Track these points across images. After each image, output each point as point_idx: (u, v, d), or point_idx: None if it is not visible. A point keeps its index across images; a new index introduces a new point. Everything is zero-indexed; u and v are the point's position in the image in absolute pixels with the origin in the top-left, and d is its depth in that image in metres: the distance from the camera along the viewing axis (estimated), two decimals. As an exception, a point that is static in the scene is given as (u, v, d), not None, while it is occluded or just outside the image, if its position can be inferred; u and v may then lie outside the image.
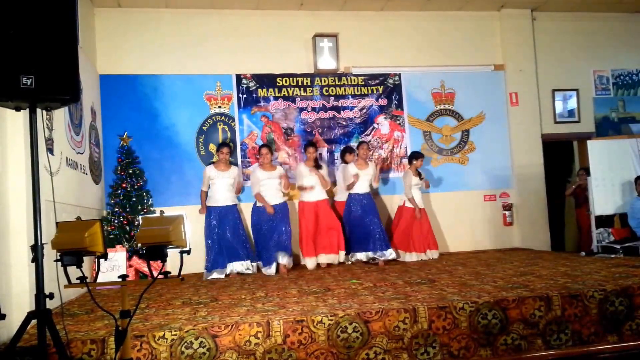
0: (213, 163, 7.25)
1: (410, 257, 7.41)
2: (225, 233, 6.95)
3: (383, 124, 8.39)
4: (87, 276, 2.76)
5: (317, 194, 7.33)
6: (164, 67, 7.77)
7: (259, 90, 8.04)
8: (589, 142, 7.60)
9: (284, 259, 6.92)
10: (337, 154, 8.16)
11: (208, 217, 7.04)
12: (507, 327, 4.01)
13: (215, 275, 6.72)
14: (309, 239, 7.19)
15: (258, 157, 7.41)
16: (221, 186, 7.08)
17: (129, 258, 6.59)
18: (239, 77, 8.01)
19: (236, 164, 7.65)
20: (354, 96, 8.34)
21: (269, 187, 7.16)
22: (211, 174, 7.10)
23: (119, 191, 7.11)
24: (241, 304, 4.58)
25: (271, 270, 6.78)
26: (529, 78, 8.82)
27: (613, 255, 6.82)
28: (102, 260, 2.84)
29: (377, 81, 8.42)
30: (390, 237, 7.57)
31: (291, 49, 8.18)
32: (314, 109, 8.19)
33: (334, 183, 7.88)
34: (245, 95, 8.00)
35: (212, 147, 7.73)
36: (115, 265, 6.34)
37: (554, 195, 8.47)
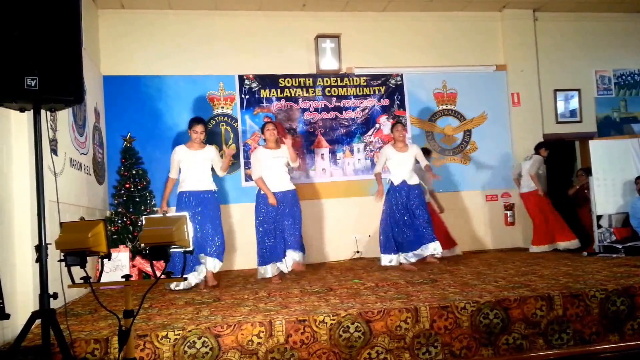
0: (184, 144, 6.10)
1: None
2: (202, 224, 5.85)
3: (385, 124, 8.40)
4: (90, 276, 2.78)
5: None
6: (167, 68, 7.79)
7: (262, 91, 8.06)
8: (590, 142, 7.60)
9: (295, 257, 5.95)
10: (339, 154, 8.18)
11: (179, 206, 5.85)
12: (509, 326, 4.02)
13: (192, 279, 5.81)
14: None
15: (262, 134, 6.42)
16: (194, 166, 5.92)
17: (132, 258, 6.61)
18: (241, 78, 8.03)
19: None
20: (356, 96, 8.36)
21: (274, 170, 6.09)
22: (181, 155, 5.93)
23: (123, 192, 7.12)
24: (244, 304, 4.61)
25: (268, 271, 5.97)
26: (531, 78, 8.83)
27: (615, 255, 6.82)
28: (105, 260, 2.86)
29: (379, 82, 8.43)
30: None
31: (293, 50, 8.20)
32: (316, 110, 8.21)
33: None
34: (248, 96, 8.02)
35: (215, 148, 7.71)
36: (118, 265, 6.36)
37: (556, 195, 8.46)
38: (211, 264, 5.86)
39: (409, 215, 6.51)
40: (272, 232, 6.04)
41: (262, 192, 6.09)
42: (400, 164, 6.59)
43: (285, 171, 6.20)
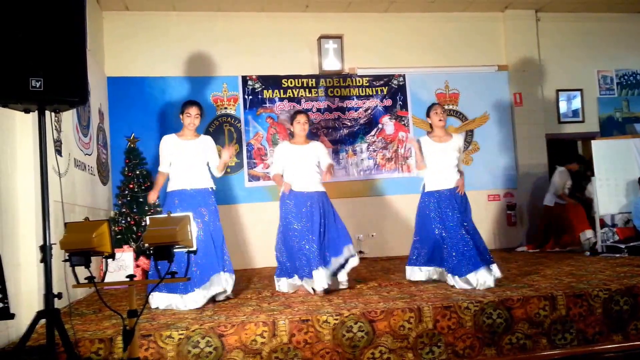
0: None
1: None
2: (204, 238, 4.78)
3: (388, 124, 8.41)
4: (95, 276, 2.79)
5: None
6: (171, 69, 7.82)
7: (265, 91, 8.08)
8: (593, 142, 7.59)
9: (321, 276, 4.88)
10: (342, 154, 8.20)
11: (168, 209, 4.46)
12: (512, 326, 4.03)
13: (163, 300, 4.67)
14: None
15: (290, 126, 5.52)
16: (186, 161, 4.96)
17: (136, 258, 6.62)
18: (244, 79, 8.05)
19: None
20: (358, 97, 8.37)
21: (301, 168, 5.19)
22: (171, 146, 5.00)
23: (126, 192, 7.15)
24: (247, 304, 4.62)
25: (294, 282, 5.12)
26: (533, 78, 8.83)
27: (618, 255, 6.82)
28: (109, 260, 2.86)
29: (382, 82, 8.44)
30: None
31: (296, 51, 8.22)
32: (319, 110, 8.21)
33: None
34: (250, 97, 8.04)
35: (219, 148, 7.67)
36: (122, 265, 6.38)
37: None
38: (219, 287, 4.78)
39: (446, 230, 5.08)
40: (297, 238, 5.07)
41: (285, 193, 5.21)
42: (439, 159, 5.23)
43: (316, 171, 5.27)
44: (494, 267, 4.88)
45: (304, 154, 5.25)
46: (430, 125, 5.44)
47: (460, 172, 5.35)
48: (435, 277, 5.33)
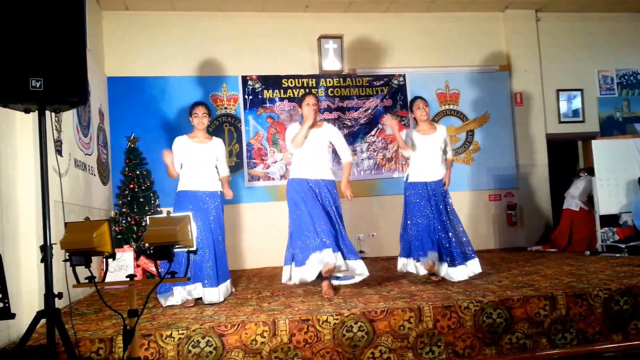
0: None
1: None
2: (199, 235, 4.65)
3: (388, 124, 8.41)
4: (95, 276, 2.79)
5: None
6: (170, 69, 7.82)
7: (265, 91, 8.08)
8: (593, 141, 7.60)
9: (328, 259, 4.55)
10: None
11: (177, 209, 4.86)
12: (512, 326, 4.03)
13: (170, 299, 4.76)
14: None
15: (299, 107, 5.11)
16: (197, 163, 4.98)
17: (136, 258, 6.63)
18: (244, 79, 8.05)
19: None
20: (359, 97, 8.37)
21: (313, 152, 4.93)
22: (183, 147, 5.00)
23: (127, 192, 7.15)
24: (247, 304, 4.62)
25: (305, 273, 4.68)
26: (534, 78, 8.83)
27: (618, 255, 6.82)
28: (110, 260, 2.86)
29: (382, 82, 8.44)
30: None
31: (296, 51, 8.22)
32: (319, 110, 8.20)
33: None
34: (251, 97, 8.04)
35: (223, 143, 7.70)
36: (123, 265, 6.39)
37: (559, 195, 8.49)
38: (207, 295, 4.76)
39: (439, 218, 5.25)
40: (309, 222, 4.74)
41: (293, 176, 4.98)
42: (424, 151, 5.31)
43: (327, 158, 5.04)
44: (471, 262, 5.20)
45: (314, 138, 4.94)
46: (415, 119, 5.52)
47: (449, 164, 5.52)
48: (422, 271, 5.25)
